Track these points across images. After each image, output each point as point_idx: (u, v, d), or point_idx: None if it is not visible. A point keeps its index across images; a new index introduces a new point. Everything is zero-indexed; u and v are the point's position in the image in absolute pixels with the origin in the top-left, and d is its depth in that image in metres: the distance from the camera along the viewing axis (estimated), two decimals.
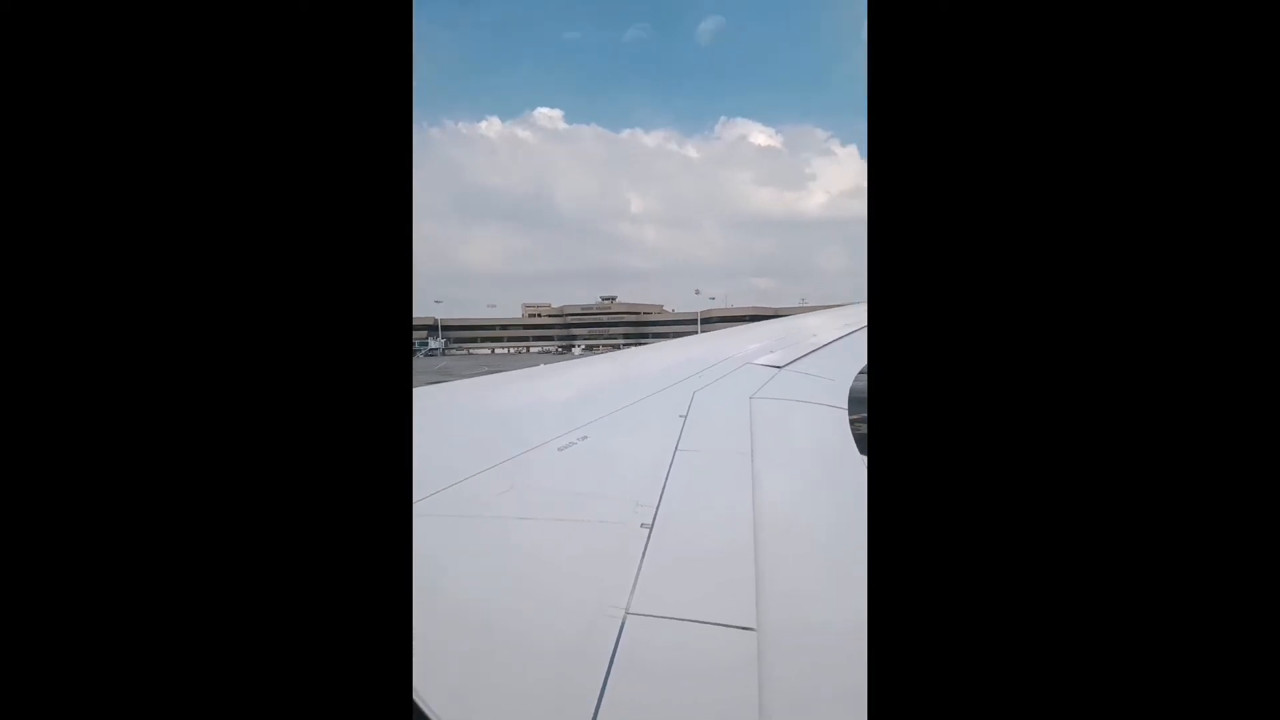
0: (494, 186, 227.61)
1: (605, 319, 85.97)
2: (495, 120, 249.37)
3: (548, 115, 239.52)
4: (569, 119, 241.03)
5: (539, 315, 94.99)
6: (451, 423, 2.64)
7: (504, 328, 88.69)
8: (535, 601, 1.17)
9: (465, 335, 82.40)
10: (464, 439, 2.42)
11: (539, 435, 2.27)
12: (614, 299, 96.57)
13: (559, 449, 2.13)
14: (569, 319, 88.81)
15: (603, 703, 0.87)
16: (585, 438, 2.26)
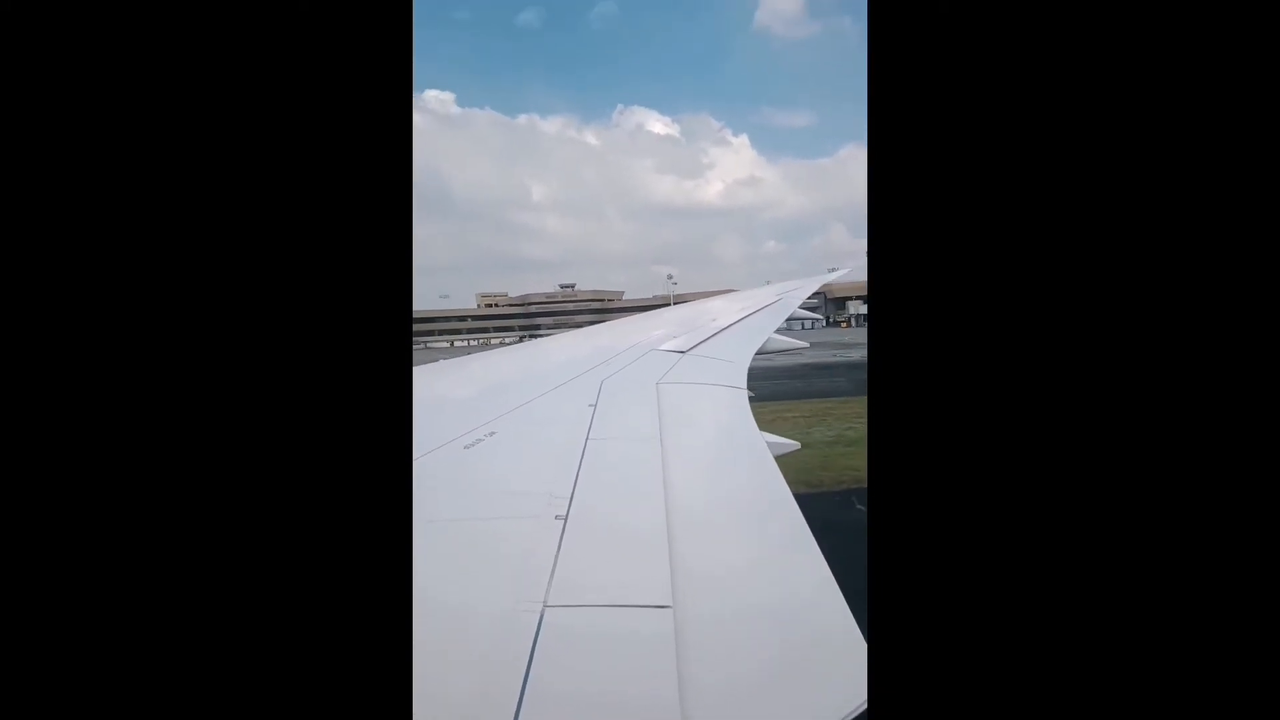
0: None
1: (570, 306, 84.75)
2: None
3: (438, 98, 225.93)
4: (461, 102, 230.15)
5: (495, 305, 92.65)
6: None
7: (461, 319, 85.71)
8: (449, 606, 1.11)
9: (421, 328, 79.00)
10: None
11: (444, 433, 2.13)
12: (573, 286, 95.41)
13: (465, 446, 2.02)
14: (532, 308, 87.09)
15: (525, 696, 0.87)
16: (493, 433, 2.19)
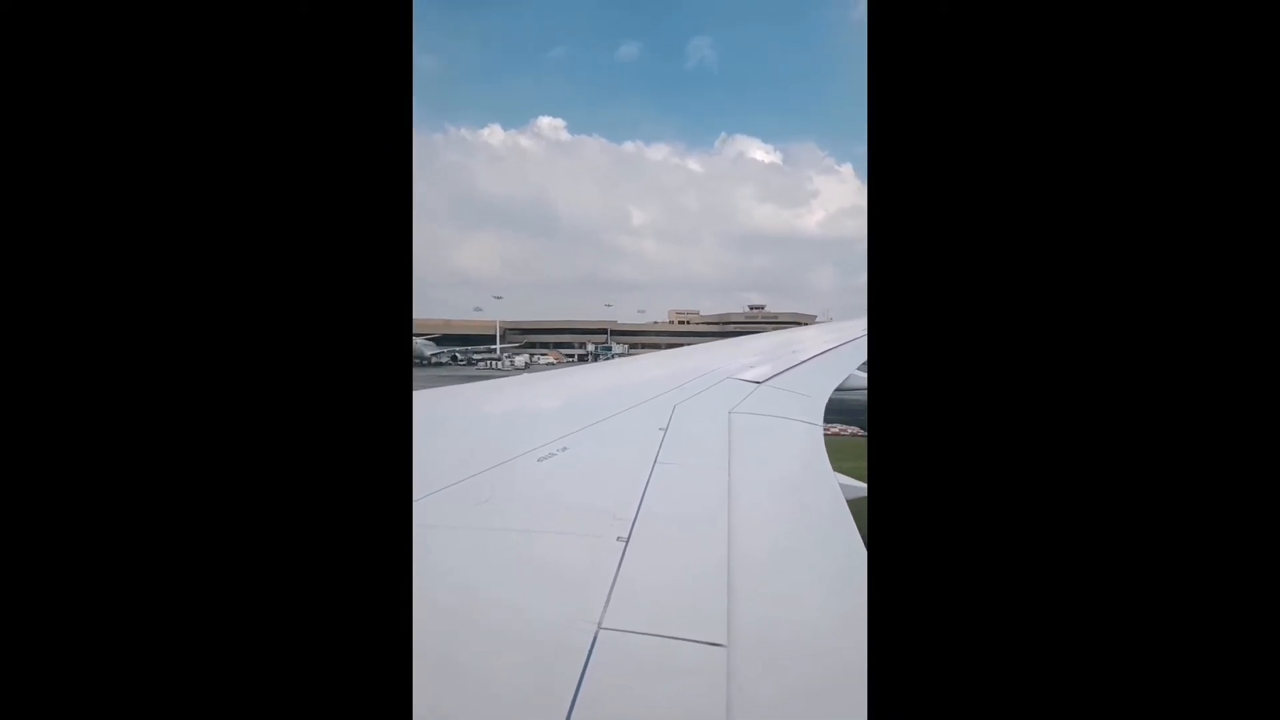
0: (495, 193, 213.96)
1: (770, 327, 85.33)
2: (497, 127, 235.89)
3: (550, 124, 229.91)
4: (572, 129, 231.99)
5: (688, 321, 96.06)
6: (435, 431, 2.59)
7: (660, 334, 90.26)
8: (507, 615, 1.15)
9: (631, 340, 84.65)
10: (445, 448, 2.37)
11: (520, 445, 2.25)
12: (763, 308, 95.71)
13: (539, 460, 2.11)
14: (730, 326, 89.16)
15: (574, 708, 0.87)
16: (565, 449, 2.25)
